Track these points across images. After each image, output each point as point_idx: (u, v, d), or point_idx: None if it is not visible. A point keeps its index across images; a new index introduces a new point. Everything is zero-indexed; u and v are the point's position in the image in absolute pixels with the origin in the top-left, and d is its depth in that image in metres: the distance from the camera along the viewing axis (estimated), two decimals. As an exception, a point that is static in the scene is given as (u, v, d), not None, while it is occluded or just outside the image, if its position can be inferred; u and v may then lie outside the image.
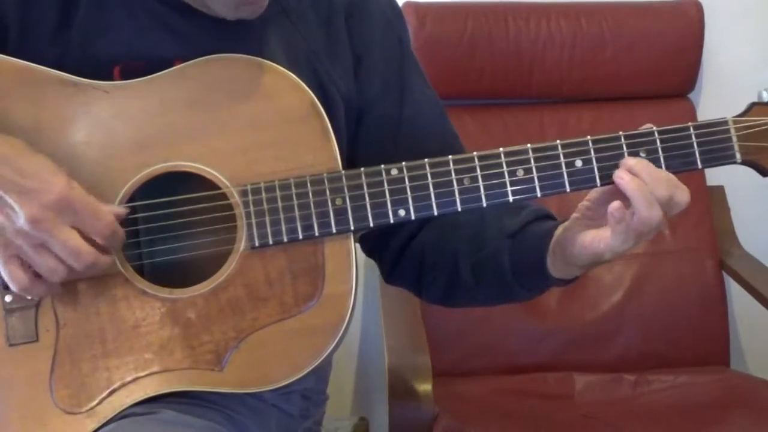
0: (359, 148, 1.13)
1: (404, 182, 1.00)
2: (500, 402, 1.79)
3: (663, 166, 1.00)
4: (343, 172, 1.01)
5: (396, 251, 1.17)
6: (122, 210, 0.98)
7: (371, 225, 1.00)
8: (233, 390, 1.00)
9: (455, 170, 1.00)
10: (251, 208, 1.00)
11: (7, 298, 0.98)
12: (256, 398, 1.10)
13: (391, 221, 1.00)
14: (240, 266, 1.00)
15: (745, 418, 1.71)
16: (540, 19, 2.01)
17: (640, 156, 0.99)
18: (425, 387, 1.53)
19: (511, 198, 1.00)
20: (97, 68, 1.03)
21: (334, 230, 1.00)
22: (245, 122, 1.02)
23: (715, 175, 2.06)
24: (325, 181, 1.00)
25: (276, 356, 1.00)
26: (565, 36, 2.01)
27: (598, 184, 0.99)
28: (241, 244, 1.00)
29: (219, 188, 1.00)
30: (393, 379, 1.55)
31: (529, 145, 1.00)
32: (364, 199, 1.00)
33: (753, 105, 1.03)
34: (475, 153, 1.01)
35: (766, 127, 1.01)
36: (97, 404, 0.98)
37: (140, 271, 1.01)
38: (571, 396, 1.85)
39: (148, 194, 1.00)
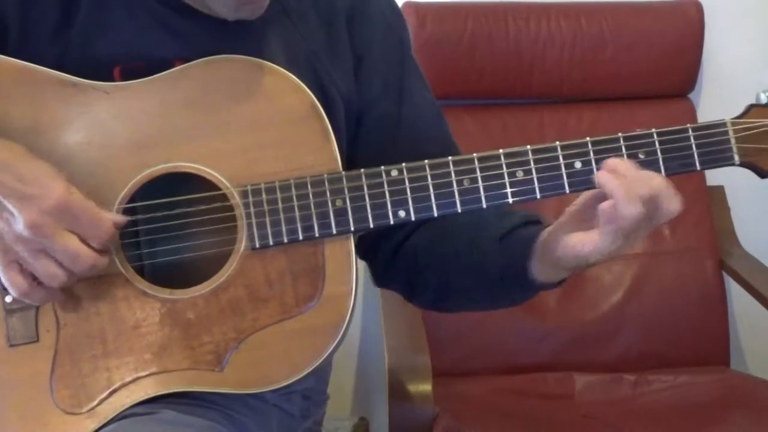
0: (359, 148, 1.13)
1: (404, 183, 1.00)
2: (500, 402, 1.79)
3: (662, 167, 1.00)
4: (343, 173, 1.01)
5: (390, 252, 1.16)
6: (122, 218, 0.98)
7: (371, 226, 1.00)
8: (233, 390, 1.00)
9: (455, 171, 1.00)
10: (251, 209, 1.00)
11: (8, 299, 0.98)
12: (256, 398, 1.10)
13: (392, 222, 1.01)
14: (240, 267, 1.00)
15: (745, 418, 1.71)
16: (540, 19, 2.01)
17: (639, 158, 0.99)
18: (425, 387, 1.53)
19: (510, 199, 1.00)
20: (98, 69, 1.03)
21: (334, 231, 1.00)
22: (245, 123, 1.02)
23: (715, 176, 2.06)
24: (326, 182, 1.00)
25: (276, 357, 1.00)
26: (565, 36, 2.01)
27: (598, 186, 0.99)
28: (242, 245, 1.00)
29: (219, 189, 1.00)
30: (393, 379, 1.55)
31: (528, 146, 1.00)
32: (365, 200, 1.00)
33: (751, 107, 1.03)
34: (474, 154, 1.01)
35: (764, 128, 1.01)
36: (98, 404, 0.98)
37: (140, 271, 1.01)
38: (571, 396, 1.85)
39: (148, 195, 1.00)
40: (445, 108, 2.03)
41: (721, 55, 2.13)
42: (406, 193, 1.00)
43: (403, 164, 1.01)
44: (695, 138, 1.01)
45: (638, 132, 1.01)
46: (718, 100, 2.14)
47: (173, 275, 1.01)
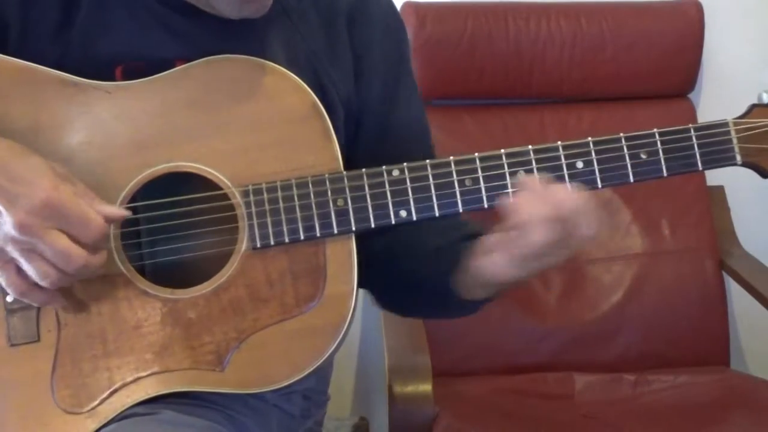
0: (358, 149, 1.13)
1: (406, 183, 1.00)
2: (500, 402, 1.79)
3: (663, 167, 1.00)
4: (344, 172, 1.01)
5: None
6: (122, 212, 0.97)
7: (373, 225, 1.00)
8: (234, 390, 1.00)
9: (456, 171, 1.00)
10: (253, 209, 1.00)
11: (9, 298, 0.98)
12: (257, 398, 1.10)
13: (393, 222, 1.01)
14: (241, 267, 1.00)
15: (745, 418, 1.71)
16: (540, 19, 2.01)
17: (641, 158, 0.99)
18: (425, 387, 1.53)
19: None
20: (99, 68, 1.02)
21: (335, 231, 1.00)
22: (247, 123, 1.02)
23: (715, 176, 2.06)
24: (327, 182, 1.00)
25: (277, 357, 1.00)
26: (565, 36, 2.01)
27: (600, 186, 1.00)
28: (243, 245, 1.00)
29: (221, 189, 1.00)
30: (393, 379, 1.55)
31: (530, 146, 1.00)
32: (366, 199, 1.00)
33: (753, 107, 1.03)
34: (476, 154, 1.01)
35: (766, 128, 1.01)
36: (98, 404, 0.98)
37: (141, 271, 1.01)
38: (571, 396, 1.85)
39: (149, 195, 1.00)
40: (445, 108, 2.03)
41: (721, 55, 2.13)
42: (408, 193, 1.00)
43: (405, 164, 1.01)
44: (697, 138, 1.01)
45: (640, 132, 1.01)
46: (718, 100, 2.14)
47: (174, 275, 1.01)
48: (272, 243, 0.99)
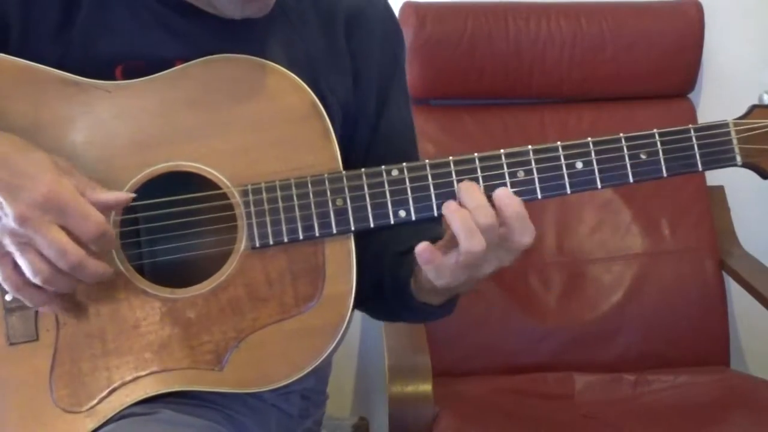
0: (351, 152, 1.13)
1: (405, 183, 1.00)
2: (500, 402, 1.79)
3: (663, 167, 1.00)
4: (343, 172, 1.01)
5: None
6: (124, 195, 0.97)
7: (372, 225, 1.00)
8: (233, 390, 1.00)
9: (456, 171, 1.00)
10: (252, 208, 1.00)
11: (8, 297, 0.98)
12: (256, 398, 1.10)
13: (392, 222, 1.00)
14: (240, 266, 1.00)
15: (745, 418, 1.71)
16: (540, 19, 2.01)
17: (641, 158, 0.99)
18: (425, 387, 1.53)
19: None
20: (99, 68, 1.03)
21: (334, 230, 1.00)
22: (246, 122, 1.02)
23: (715, 176, 2.06)
24: (326, 182, 1.00)
25: (276, 356, 1.00)
26: (565, 36, 2.01)
27: (599, 186, 1.00)
28: (242, 244, 1.00)
29: (220, 188, 1.00)
30: (393, 379, 1.55)
31: (529, 146, 1.00)
32: (365, 199, 1.00)
33: (753, 107, 1.03)
34: (475, 154, 1.01)
35: (766, 129, 1.01)
36: (97, 403, 0.98)
37: (140, 270, 1.01)
38: (571, 396, 1.85)
39: (148, 194, 1.00)
40: (445, 108, 2.03)
41: (721, 55, 2.13)
42: (407, 193, 1.00)
43: (404, 164, 1.01)
44: (697, 138, 1.01)
45: (639, 132, 1.01)
46: (718, 100, 2.14)
47: (173, 274, 1.01)
48: (271, 243, 0.99)
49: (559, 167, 1.00)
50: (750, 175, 1.05)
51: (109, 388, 0.99)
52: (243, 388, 1.00)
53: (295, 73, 1.03)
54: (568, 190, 1.00)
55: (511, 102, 2.07)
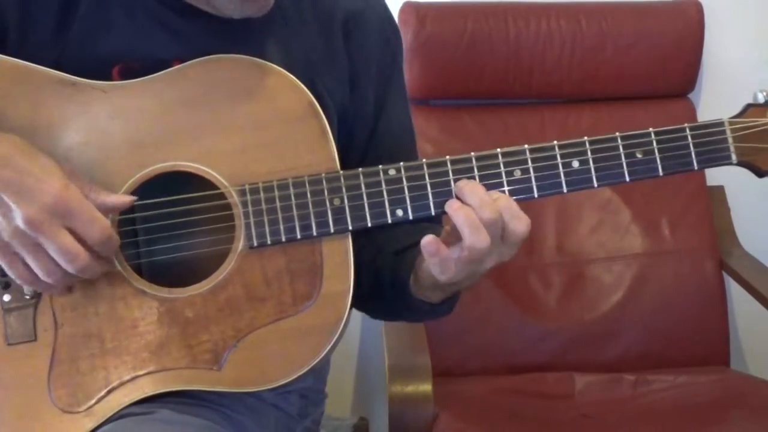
0: (348, 154, 1.13)
1: (402, 182, 1.00)
2: (500, 402, 1.79)
3: (659, 166, 1.00)
4: (341, 172, 1.01)
5: None
6: (126, 198, 0.97)
7: (369, 225, 1.01)
8: (231, 389, 1.00)
9: (453, 171, 1.00)
10: (249, 208, 1.00)
11: (6, 297, 0.99)
12: (254, 397, 1.11)
13: (389, 221, 1.01)
14: (238, 266, 1.00)
15: (745, 418, 1.71)
16: (540, 19, 2.01)
17: (637, 157, 1.00)
18: (425, 387, 1.53)
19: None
20: (97, 68, 1.03)
21: (332, 230, 1.00)
22: (243, 122, 1.02)
23: (715, 175, 2.06)
24: (324, 181, 1.00)
25: (274, 355, 1.00)
26: (565, 36, 2.01)
27: (595, 185, 1.00)
28: (240, 244, 1.00)
29: (217, 188, 1.00)
30: (393, 379, 1.55)
31: (526, 145, 1.01)
32: (362, 199, 1.00)
33: (748, 106, 1.03)
34: (472, 153, 1.01)
35: (761, 128, 1.01)
36: (95, 403, 0.98)
37: (138, 270, 1.01)
38: (571, 396, 1.84)
39: (146, 194, 1.00)
40: (445, 108, 2.03)
41: (721, 55, 2.13)
42: (404, 192, 1.00)
43: (401, 163, 1.01)
44: (693, 137, 1.01)
45: (635, 131, 1.01)
46: (718, 100, 2.14)
47: (171, 274, 1.02)
48: (269, 242, 1.00)
49: (556, 166, 1.00)
50: (750, 175, 1.05)
51: (108, 388, 0.99)
52: (241, 388, 1.00)
53: (292, 74, 1.03)
54: (565, 189, 1.00)
55: (511, 102, 2.07)
